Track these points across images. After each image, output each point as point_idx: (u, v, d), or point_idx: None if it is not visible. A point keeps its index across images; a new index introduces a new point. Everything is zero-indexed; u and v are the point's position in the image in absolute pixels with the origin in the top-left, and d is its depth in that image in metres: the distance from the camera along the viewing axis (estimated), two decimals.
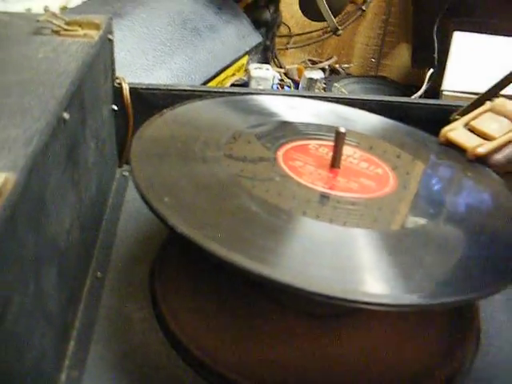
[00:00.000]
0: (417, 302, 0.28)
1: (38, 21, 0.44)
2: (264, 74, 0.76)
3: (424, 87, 0.81)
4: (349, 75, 1.02)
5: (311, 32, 1.05)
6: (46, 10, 0.63)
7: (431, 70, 0.82)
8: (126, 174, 0.56)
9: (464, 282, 0.31)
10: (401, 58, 1.05)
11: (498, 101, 0.49)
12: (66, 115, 0.34)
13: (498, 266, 0.33)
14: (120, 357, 0.37)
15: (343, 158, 0.40)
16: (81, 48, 0.42)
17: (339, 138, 0.38)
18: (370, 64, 1.08)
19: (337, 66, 1.03)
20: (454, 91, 0.73)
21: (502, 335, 0.41)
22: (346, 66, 1.04)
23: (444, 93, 0.74)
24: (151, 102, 0.54)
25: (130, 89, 0.54)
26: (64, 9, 0.69)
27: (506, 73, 0.53)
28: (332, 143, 0.39)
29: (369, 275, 0.30)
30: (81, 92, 0.39)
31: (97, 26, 0.45)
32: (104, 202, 0.50)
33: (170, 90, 0.55)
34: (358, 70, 1.08)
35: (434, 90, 0.79)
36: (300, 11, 0.94)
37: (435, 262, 0.32)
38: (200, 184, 0.34)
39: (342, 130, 0.38)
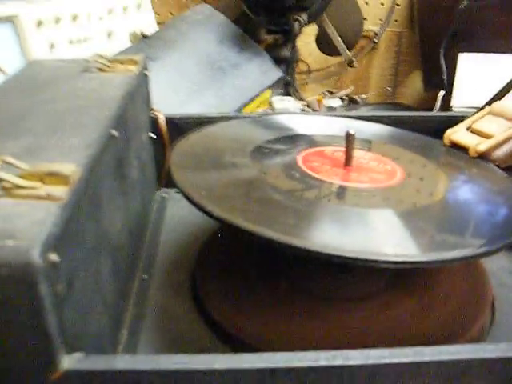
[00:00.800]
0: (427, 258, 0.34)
1: (86, 61, 0.51)
2: (286, 105, 0.83)
3: (437, 107, 0.87)
4: (367, 104, 1.08)
5: (329, 67, 1.12)
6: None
7: (442, 92, 0.87)
8: (165, 195, 0.62)
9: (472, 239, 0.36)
10: (415, 84, 1.11)
11: (496, 104, 0.54)
12: (114, 132, 0.41)
13: (498, 230, 0.38)
14: (167, 342, 0.42)
15: (355, 159, 0.45)
16: (123, 80, 0.48)
17: (349, 139, 0.43)
18: (386, 93, 1.14)
19: (355, 96, 1.09)
20: (462, 107, 0.78)
21: None
22: (363, 96, 1.10)
23: (454, 109, 0.79)
24: (185, 129, 0.60)
25: (166, 119, 0.60)
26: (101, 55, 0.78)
27: (505, 83, 0.58)
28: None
29: (387, 240, 0.35)
30: (125, 116, 0.45)
31: (135, 62, 0.52)
32: (147, 218, 0.56)
33: (202, 117, 0.61)
34: (376, 99, 1.14)
35: (446, 109, 0.85)
36: (317, 48, 1.02)
37: (443, 228, 0.38)
38: (230, 182, 0.40)
39: (352, 131, 0.43)
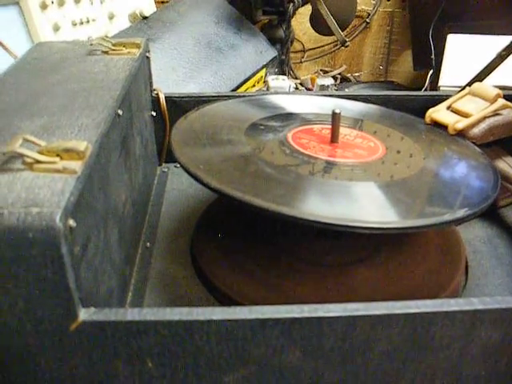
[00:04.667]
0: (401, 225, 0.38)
1: (91, 44, 0.55)
2: (280, 83, 0.86)
3: (426, 86, 0.90)
4: (359, 82, 1.11)
5: (323, 46, 1.15)
6: (90, 38, 0.74)
7: (431, 71, 0.91)
8: (166, 170, 0.66)
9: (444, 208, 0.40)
10: (406, 63, 1.14)
11: (475, 85, 0.57)
12: (119, 111, 0.44)
13: (467, 201, 0.42)
14: (168, 303, 0.46)
15: (341, 136, 0.49)
16: (126, 62, 0.52)
17: (335, 118, 0.47)
18: (378, 71, 1.17)
19: (348, 74, 1.13)
20: (450, 86, 0.81)
21: (487, 278, 0.49)
22: (356, 74, 1.13)
23: (441, 88, 0.83)
24: (184, 108, 0.64)
25: (166, 98, 0.64)
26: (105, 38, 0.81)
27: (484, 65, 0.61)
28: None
29: (366, 209, 0.40)
30: (129, 96, 0.49)
31: (137, 45, 0.56)
32: (149, 191, 0.60)
33: (200, 96, 0.64)
34: (368, 78, 1.17)
35: (435, 88, 0.88)
36: (311, 28, 1.04)
37: (418, 198, 0.42)
38: (226, 157, 0.44)
39: (337, 111, 0.47)
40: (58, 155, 0.34)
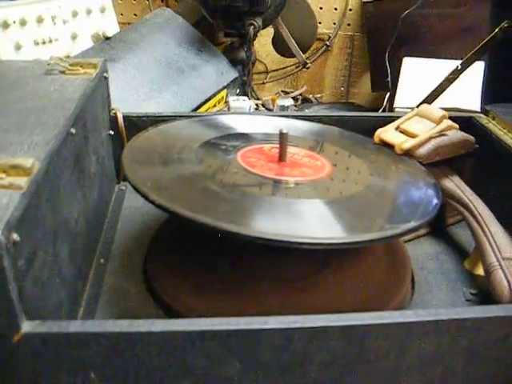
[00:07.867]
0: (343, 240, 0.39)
1: (48, 64, 0.56)
2: (241, 104, 0.88)
3: (383, 107, 0.93)
4: (320, 103, 1.14)
5: (285, 67, 1.18)
6: (51, 57, 0.75)
7: (388, 93, 0.94)
8: (124, 188, 0.67)
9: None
10: (367, 85, 1.17)
11: (422, 106, 0.60)
12: (72, 130, 0.45)
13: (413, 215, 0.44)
14: (118, 318, 0.46)
15: (290, 155, 0.51)
16: (82, 82, 0.53)
17: (283, 138, 0.49)
18: (340, 93, 1.21)
19: (310, 95, 1.15)
20: (404, 107, 0.84)
21: (432, 293, 0.51)
22: (318, 95, 1.16)
23: (396, 109, 0.86)
24: (142, 127, 0.64)
25: (124, 117, 0.65)
26: (67, 57, 0.82)
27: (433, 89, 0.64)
28: None
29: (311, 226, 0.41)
30: (83, 115, 0.50)
31: (94, 66, 0.57)
32: (105, 208, 0.61)
33: (158, 116, 0.66)
34: (330, 99, 1.20)
35: (392, 110, 0.91)
36: (274, 50, 1.07)
37: (361, 215, 0.43)
38: (175, 175, 0.46)
39: (285, 131, 0.49)
40: (4, 171, 0.35)
